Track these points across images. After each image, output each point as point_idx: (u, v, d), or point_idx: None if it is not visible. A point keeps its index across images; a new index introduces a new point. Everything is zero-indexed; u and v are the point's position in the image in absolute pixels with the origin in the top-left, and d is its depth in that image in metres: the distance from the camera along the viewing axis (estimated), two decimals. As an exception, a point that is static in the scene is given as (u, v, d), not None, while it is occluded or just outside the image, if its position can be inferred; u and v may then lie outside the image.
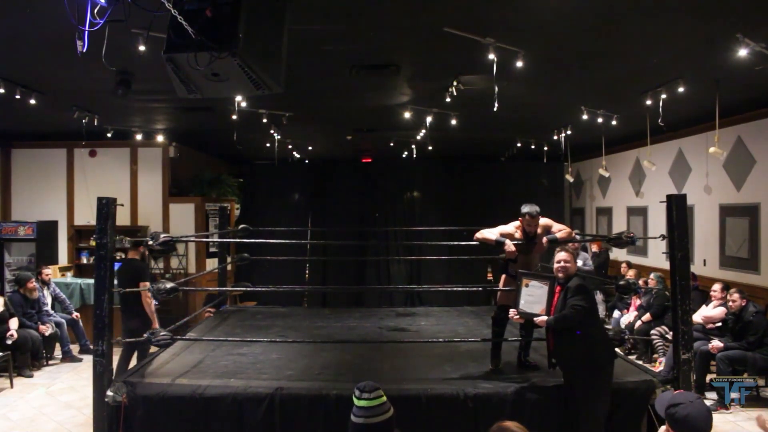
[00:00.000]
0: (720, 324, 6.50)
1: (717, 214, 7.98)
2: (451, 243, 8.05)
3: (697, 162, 8.43)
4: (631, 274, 8.69)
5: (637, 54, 4.98)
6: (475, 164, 12.12)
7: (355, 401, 2.69)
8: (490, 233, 4.73)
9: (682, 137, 8.73)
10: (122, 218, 8.96)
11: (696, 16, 4.10)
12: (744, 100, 6.77)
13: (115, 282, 4.92)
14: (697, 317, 6.51)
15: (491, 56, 4.57)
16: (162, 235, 4.65)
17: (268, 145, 9.47)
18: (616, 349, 5.28)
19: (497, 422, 2.19)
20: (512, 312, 4.19)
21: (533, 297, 4.10)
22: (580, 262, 6.98)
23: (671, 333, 4.39)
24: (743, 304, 6.10)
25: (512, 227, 4.74)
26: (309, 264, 11.13)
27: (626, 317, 7.98)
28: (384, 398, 2.70)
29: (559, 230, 4.75)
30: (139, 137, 9.04)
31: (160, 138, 9.17)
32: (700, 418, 2.15)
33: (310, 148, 11.09)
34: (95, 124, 7.54)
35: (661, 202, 4.58)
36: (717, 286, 6.68)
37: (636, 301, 8.11)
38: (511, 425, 2.15)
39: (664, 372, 5.82)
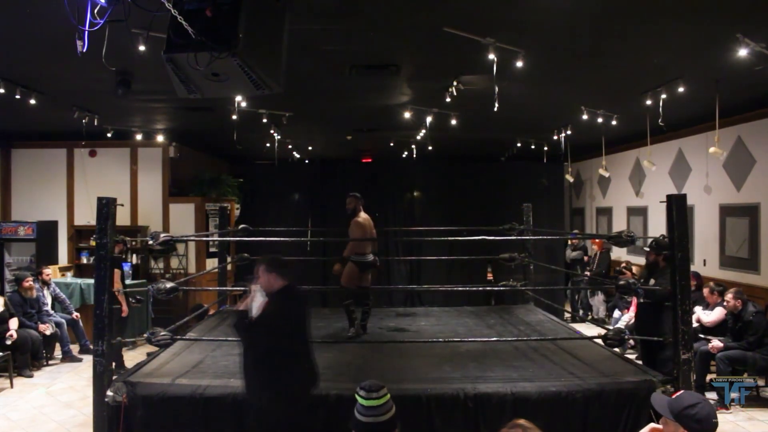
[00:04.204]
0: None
1: (717, 214, 7.97)
2: (451, 239, 8.05)
3: (697, 162, 8.43)
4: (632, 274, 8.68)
5: (637, 54, 4.98)
6: (476, 164, 12.12)
7: (363, 401, 2.69)
8: None
9: (682, 137, 8.73)
10: (122, 218, 8.95)
11: (696, 16, 4.10)
12: (744, 100, 6.77)
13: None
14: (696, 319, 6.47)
15: (491, 56, 4.57)
16: (162, 235, 4.66)
17: (268, 145, 9.46)
18: (616, 349, 5.32)
19: (512, 420, 2.19)
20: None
21: (258, 302, 3.59)
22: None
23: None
24: (738, 305, 6.09)
25: None
26: (308, 264, 11.12)
27: (626, 317, 7.98)
28: (389, 395, 2.73)
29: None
30: (139, 137, 9.04)
31: (160, 138, 9.17)
32: (713, 415, 2.18)
33: (310, 148, 11.09)
34: (95, 124, 7.54)
35: (661, 202, 4.58)
36: (706, 291, 6.60)
37: (636, 301, 8.11)
38: (523, 422, 2.15)
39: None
